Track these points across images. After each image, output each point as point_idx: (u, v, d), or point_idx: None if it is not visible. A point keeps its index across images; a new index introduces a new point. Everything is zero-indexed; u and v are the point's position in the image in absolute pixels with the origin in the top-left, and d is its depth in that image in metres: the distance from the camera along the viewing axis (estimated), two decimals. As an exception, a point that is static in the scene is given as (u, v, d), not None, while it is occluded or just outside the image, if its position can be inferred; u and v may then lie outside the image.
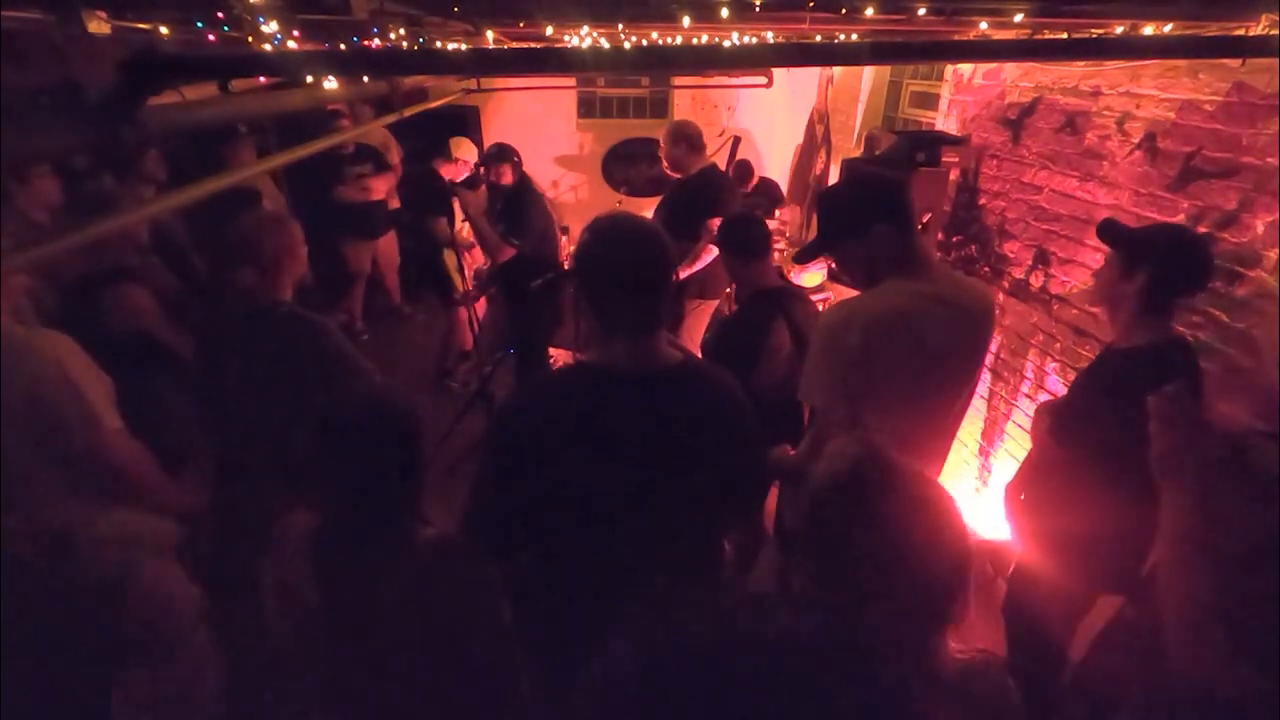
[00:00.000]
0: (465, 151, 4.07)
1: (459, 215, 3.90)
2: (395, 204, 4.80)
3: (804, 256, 1.83)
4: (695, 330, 3.40)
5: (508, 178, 3.62)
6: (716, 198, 3.16)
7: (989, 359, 3.22)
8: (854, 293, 1.64)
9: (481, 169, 3.81)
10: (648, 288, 1.22)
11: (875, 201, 1.56)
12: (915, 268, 1.56)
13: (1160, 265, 1.60)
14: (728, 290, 3.39)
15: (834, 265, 1.64)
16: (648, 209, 3.77)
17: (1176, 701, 0.92)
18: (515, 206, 3.54)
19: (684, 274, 3.18)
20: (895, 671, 0.54)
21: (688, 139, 3.21)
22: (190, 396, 2.21)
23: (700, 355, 2.54)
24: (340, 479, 1.20)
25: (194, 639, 1.71)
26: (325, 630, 1.18)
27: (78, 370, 1.54)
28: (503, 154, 3.67)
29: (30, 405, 1.47)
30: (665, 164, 3.33)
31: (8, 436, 1.45)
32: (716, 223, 2.92)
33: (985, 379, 3.25)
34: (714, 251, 3.09)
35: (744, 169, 5.04)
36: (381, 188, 4.54)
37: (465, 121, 5.55)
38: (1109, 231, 1.71)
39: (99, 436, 1.55)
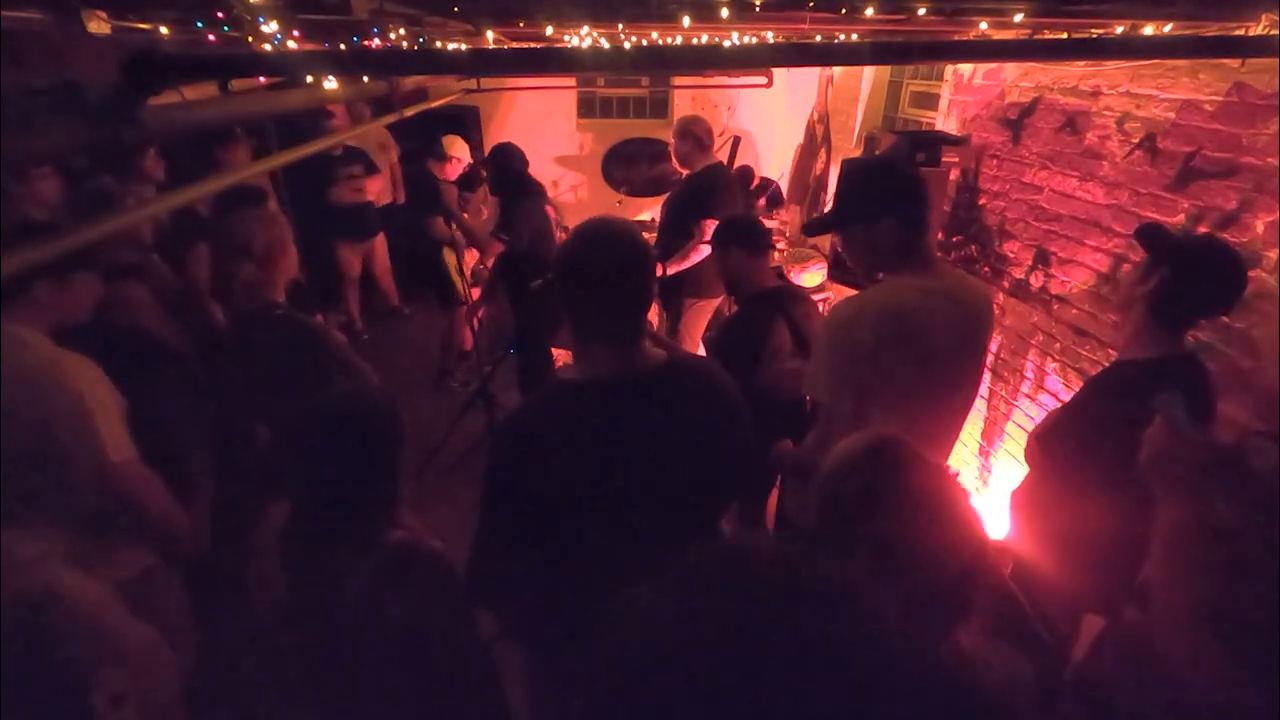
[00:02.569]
0: (458, 150, 4.07)
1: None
2: (384, 202, 4.80)
3: (813, 229, 1.81)
4: (694, 327, 3.41)
5: (500, 174, 3.68)
6: (716, 199, 3.20)
7: (989, 359, 3.22)
8: (853, 291, 1.64)
9: (482, 171, 3.83)
10: (625, 294, 1.19)
11: (892, 194, 1.54)
12: (921, 264, 1.55)
13: (1178, 270, 1.51)
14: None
15: (839, 246, 1.63)
16: (648, 209, 3.78)
17: (1175, 709, 0.92)
18: (511, 205, 3.63)
19: (671, 270, 3.21)
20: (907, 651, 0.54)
21: (695, 136, 3.27)
22: (189, 394, 2.21)
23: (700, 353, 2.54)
24: (309, 476, 1.20)
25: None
26: (291, 625, 1.18)
27: (95, 400, 1.51)
28: (501, 153, 3.72)
29: (42, 430, 1.45)
30: (673, 159, 3.40)
31: (17, 454, 1.43)
32: (711, 224, 2.95)
33: (985, 379, 3.25)
34: (704, 251, 3.11)
35: (744, 175, 5.03)
36: (372, 189, 4.54)
37: (465, 121, 5.55)
38: (1148, 235, 1.60)
39: (106, 468, 1.53)
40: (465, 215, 3.83)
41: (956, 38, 2.76)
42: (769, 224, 4.76)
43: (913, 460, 0.94)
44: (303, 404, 1.23)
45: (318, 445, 1.19)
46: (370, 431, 1.22)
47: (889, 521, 0.89)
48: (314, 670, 1.20)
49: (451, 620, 1.24)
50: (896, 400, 1.51)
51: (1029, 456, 1.79)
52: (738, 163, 4.72)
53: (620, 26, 2.77)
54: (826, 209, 1.56)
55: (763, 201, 5.12)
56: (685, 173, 3.37)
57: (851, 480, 0.94)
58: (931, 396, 1.60)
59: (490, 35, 3.03)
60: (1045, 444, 1.73)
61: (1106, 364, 2.03)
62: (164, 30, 2.19)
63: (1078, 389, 1.89)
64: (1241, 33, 2.07)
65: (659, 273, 3.18)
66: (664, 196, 3.63)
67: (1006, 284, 3.11)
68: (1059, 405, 2.14)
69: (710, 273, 3.21)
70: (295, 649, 1.21)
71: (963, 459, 3.40)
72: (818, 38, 3.08)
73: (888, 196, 1.54)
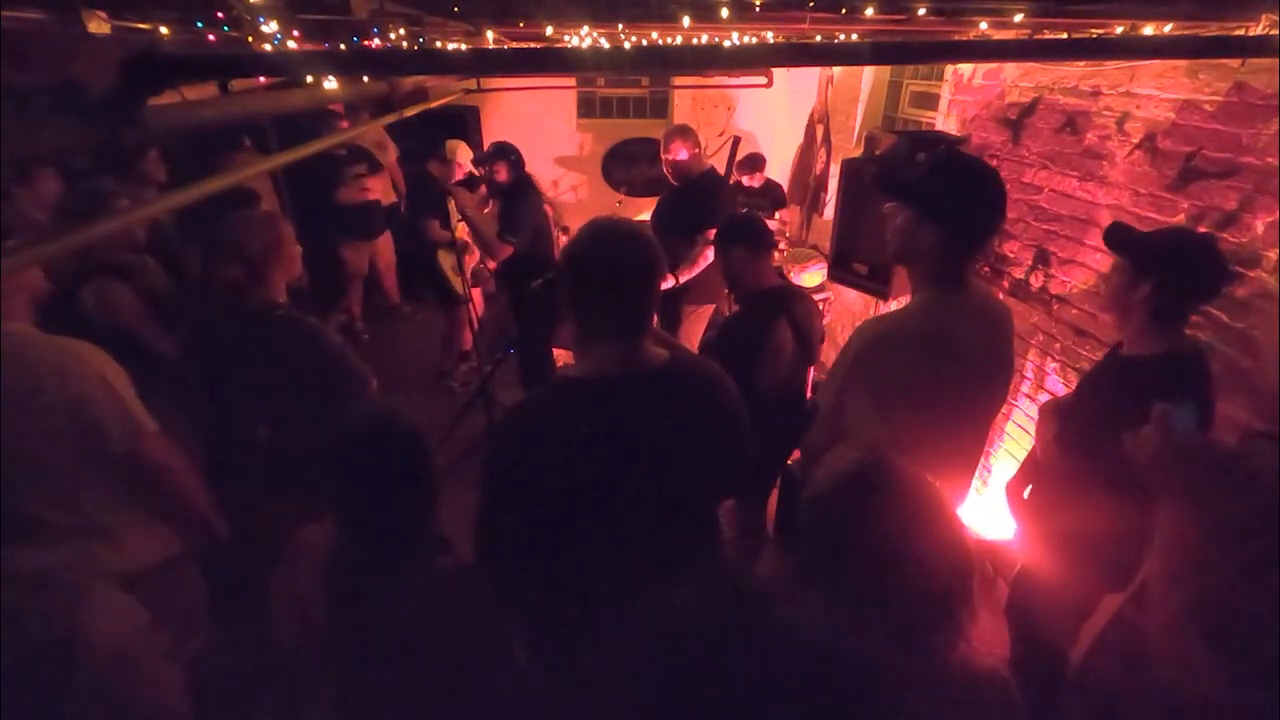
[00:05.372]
0: (462, 155, 4.03)
1: (455, 215, 3.89)
2: (389, 201, 4.80)
3: (886, 179, 1.58)
4: (692, 334, 3.40)
5: (503, 175, 3.54)
6: (716, 207, 3.19)
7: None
8: (853, 294, 1.62)
9: (478, 169, 3.79)
10: (629, 292, 1.19)
11: (962, 205, 1.38)
12: (958, 280, 1.45)
13: (1168, 273, 1.52)
14: (727, 293, 3.39)
15: (896, 216, 1.47)
16: (647, 209, 3.77)
17: (1173, 707, 0.92)
18: (511, 204, 3.49)
19: (683, 278, 3.20)
20: (895, 675, 0.56)
21: (681, 161, 3.27)
22: (174, 396, 2.21)
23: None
24: (353, 503, 1.19)
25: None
26: (334, 648, 1.18)
27: (118, 379, 1.54)
28: (500, 152, 3.56)
29: (75, 414, 1.47)
30: (666, 170, 3.37)
31: (52, 444, 1.46)
32: (712, 233, 2.95)
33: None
34: (709, 257, 3.10)
35: (755, 161, 5.01)
36: (377, 188, 4.55)
37: (464, 122, 5.55)
38: (1116, 237, 1.63)
39: (143, 441, 1.56)
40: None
41: (956, 38, 2.77)
42: (769, 224, 4.76)
43: (899, 475, 0.94)
44: (337, 431, 1.22)
45: (359, 471, 1.18)
46: (412, 456, 1.21)
47: (874, 533, 0.89)
48: (353, 691, 1.19)
49: (496, 647, 1.24)
50: (929, 427, 1.42)
51: (1038, 433, 1.78)
52: (739, 156, 4.71)
53: (620, 26, 2.77)
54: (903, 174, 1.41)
55: (756, 179, 5.05)
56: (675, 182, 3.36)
57: (838, 499, 0.94)
58: (963, 420, 1.54)
59: (490, 35, 3.03)
60: (1061, 439, 1.73)
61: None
62: (164, 30, 2.19)
63: (1081, 382, 1.89)
64: (1241, 33, 2.07)
65: (672, 283, 3.17)
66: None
67: (1006, 284, 3.10)
68: (1054, 397, 2.13)
69: (706, 279, 3.22)
70: (333, 670, 1.20)
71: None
72: (818, 38, 3.08)
73: (958, 204, 1.36)
